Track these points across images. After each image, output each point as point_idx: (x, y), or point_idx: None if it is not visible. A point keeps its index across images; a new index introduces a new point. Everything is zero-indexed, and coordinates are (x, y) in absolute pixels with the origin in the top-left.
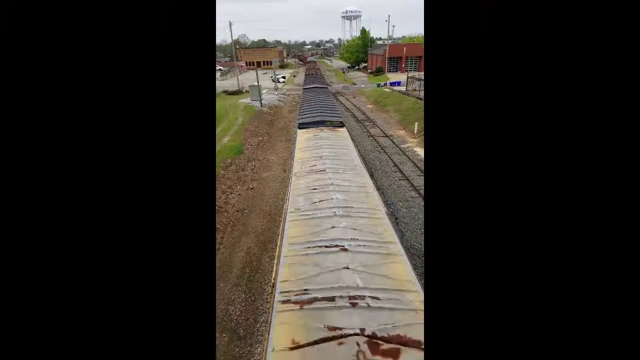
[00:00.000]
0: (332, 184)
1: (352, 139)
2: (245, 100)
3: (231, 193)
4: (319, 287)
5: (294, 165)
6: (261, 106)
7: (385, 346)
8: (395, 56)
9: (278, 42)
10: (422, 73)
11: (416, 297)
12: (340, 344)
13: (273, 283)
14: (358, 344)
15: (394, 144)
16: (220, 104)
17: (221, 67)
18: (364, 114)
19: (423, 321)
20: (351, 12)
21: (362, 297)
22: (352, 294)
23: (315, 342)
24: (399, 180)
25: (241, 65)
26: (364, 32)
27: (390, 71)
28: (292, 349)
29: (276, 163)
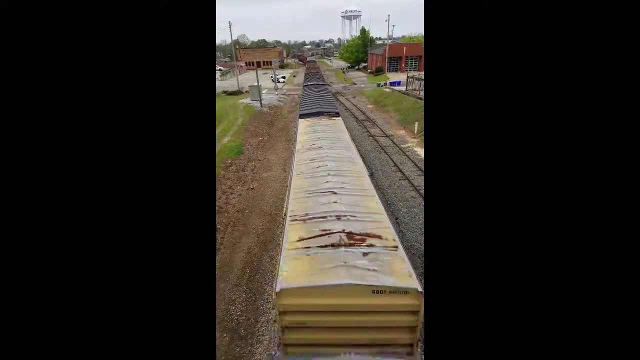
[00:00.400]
0: (327, 156)
1: (347, 128)
2: (245, 100)
3: (231, 193)
4: (316, 212)
5: (296, 145)
6: (261, 106)
7: (357, 237)
8: (395, 56)
9: (278, 42)
10: (422, 73)
11: (380, 217)
12: (329, 236)
13: (285, 213)
14: (340, 236)
15: (394, 143)
16: (220, 104)
17: (221, 68)
18: (364, 113)
19: (382, 223)
20: (351, 11)
21: (345, 216)
22: (338, 214)
23: (314, 237)
24: (399, 180)
25: (241, 66)
26: (363, 31)
27: (390, 71)
28: (299, 240)
29: (276, 163)
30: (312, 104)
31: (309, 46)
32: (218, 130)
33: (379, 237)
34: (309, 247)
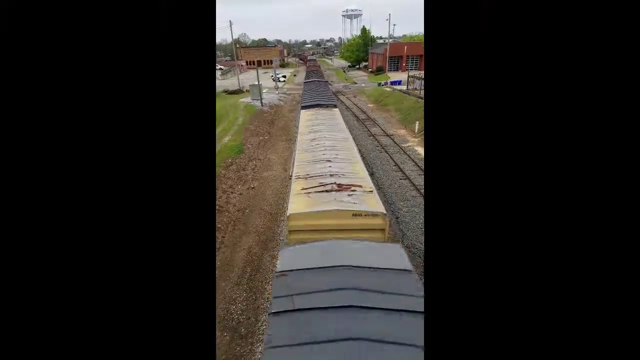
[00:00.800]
0: (324, 137)
1: (345, 121)
2: (245, 99)
3: (232, 192)
4: (315, 173)
5: (299, 130)
6: (262, 105)
7: (344, 186)
8: (396, 55)
9: (278, 42)
10: (423, 72)
11: (362, 175)
12: (324, 186)
13: (290, 175)
14: (332, 186)
15: (395, 143)
16: (221, 103)
17: (222, 67)
18: (364, 113)
19: (364, 179)
20: (352, 11)
21: (336, 174)
22: (331, 174)
23: (312, 187)
24: (400, 179)
25: (241, 65)
26: (364, 31)
27: (390, 70)
28: (302, 189)
29: (277, 162)
30: (312, 97)
31: (309, 45)
32: (219, 129)
33: (360, 185)
34: (309, 193)
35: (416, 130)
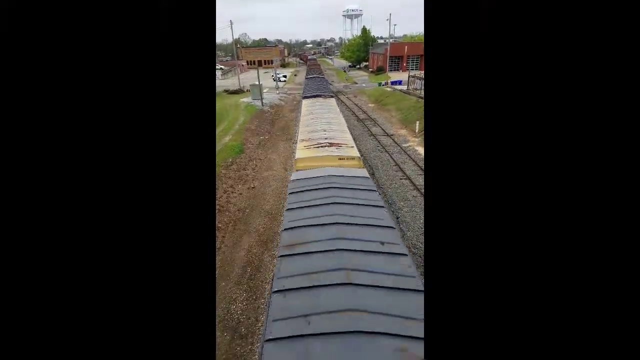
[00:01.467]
0: (321, 117)
1: (337, 106)
2: (246, 99)
3: (232, 192)
4: (313, 139)
5: (301, 113)
6: (262, 105)
7: (335, 145)
8: (397, 55)
9: (279, 41)
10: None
11: (350, 142)
12: (321, 146)
13: (295, 141)
14: (326, 145)
15: (395, 143)
16: (221, 103)
17: (222, 67)
18: (365, 113)
19: (351, 142)
20: (352, 10)
21: (330, 138)
22: (325, 137)
23: (311, 145)
24: (400, 179)
25: (242, 65)
26: (364, 31)
27: (391, 70)
28: (304, 147)
29: (277, 162)
30: (312, 89)
31: (310, 45)
32: (219, 129)
33: (345, 144)
34: (309, 147)
35: (417, 130)
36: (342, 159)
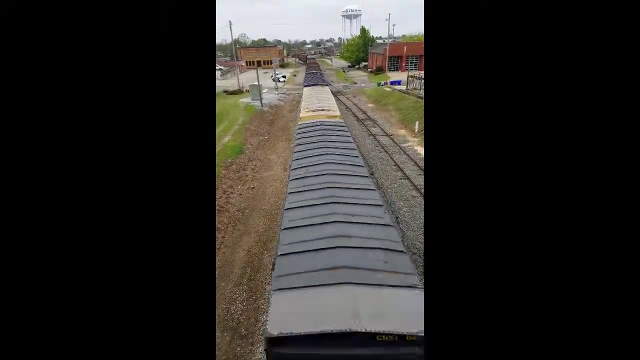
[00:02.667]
0: (317, 98)
1: (331, 93)
2: (245, 99)
3: (232, 193)
4: (312, 108)
5: (303, 96)
6: (261, 106)
7: (325, 109)
8: (396, 55)
9: (278, 42)
10: (423, 72)
11: (336, 108)
12: (317, 111)
13: (299, 109)
14: (320, 109)
15: (395, 143)
16: (221, 103)
17: (221, 67)
18: (364, 113)
19: (339, 116)
20: (351, 11)
21: (324, 111)
22: (322, 108)
23: (311, 111)
24: (400, 179)
25: (241, 65)
26: (364, 31)
27: (390, 70)
28: (304, 119)
29: (277, 162)
30: (311, 80)
31: (309, 45)
32: (219, 129)
33: (333, 109)
34: (309, 111)
35: (416, 130)
36: (329, 116)
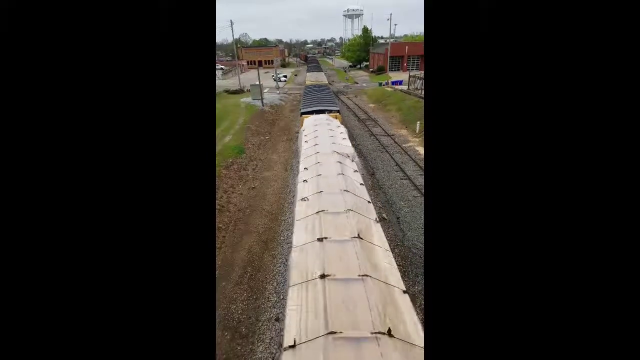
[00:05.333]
0: (316, 84)
1: (328, 82)
2: (246, 99)
3: (233, 192)
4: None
5: (305, 79)
6: (262, 105)
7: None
8: (397, 55)
9: (279, 41)
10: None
11: (325, 82)
12: (319, 110)
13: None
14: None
15: (396, 143)
16: (222, 103)
17: (222, 67)
18: (365, 113)
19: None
20: (353, 10)
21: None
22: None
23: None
24: (401, 179)
25: (242, 65)
26: (365, 30)
27: (392, 70)
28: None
29: (278, 162)
30: (312, 69)
31: (310, 45)
32: (220, 129)
33: (323, 80)
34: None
35: (417, 130)
36: (320, 84)
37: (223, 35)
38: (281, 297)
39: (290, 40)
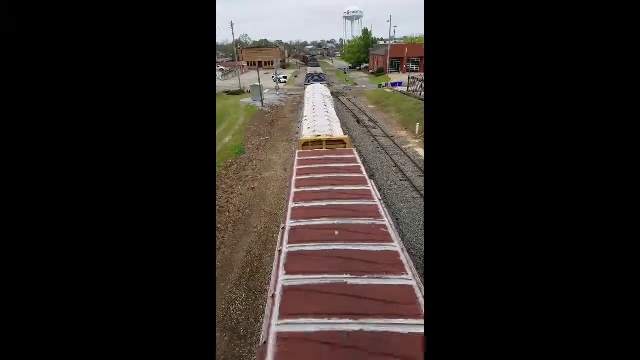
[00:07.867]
0: (316, 87)
1: (328, 85)
2: (246, 100)
3: (232, 193)
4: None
5: (306, 70)
6: (262, 106)
7: (324, 108)
8: (397, 57)
9: (279, 42)
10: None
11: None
12: (315, 109)
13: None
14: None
15: (395, 144)
16: (222, 103)
17: (222, 67)
18: (365, 114)
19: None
20: (353, 12)
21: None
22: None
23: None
24: (400, 180)
25: (243, 65)
26: (365, 32)
27: (391, 72)
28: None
29: (277, 163)
30: (312, 66)
31: (310, 47)
32: (219, 130)
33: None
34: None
35: (417, 132)
36: (316, 72)
37: (223, 36)
38: None
39: (291, 42)
